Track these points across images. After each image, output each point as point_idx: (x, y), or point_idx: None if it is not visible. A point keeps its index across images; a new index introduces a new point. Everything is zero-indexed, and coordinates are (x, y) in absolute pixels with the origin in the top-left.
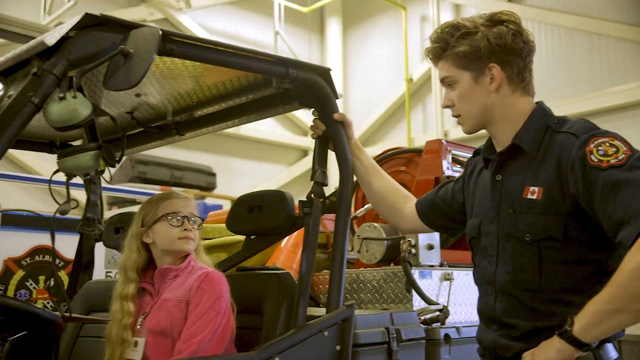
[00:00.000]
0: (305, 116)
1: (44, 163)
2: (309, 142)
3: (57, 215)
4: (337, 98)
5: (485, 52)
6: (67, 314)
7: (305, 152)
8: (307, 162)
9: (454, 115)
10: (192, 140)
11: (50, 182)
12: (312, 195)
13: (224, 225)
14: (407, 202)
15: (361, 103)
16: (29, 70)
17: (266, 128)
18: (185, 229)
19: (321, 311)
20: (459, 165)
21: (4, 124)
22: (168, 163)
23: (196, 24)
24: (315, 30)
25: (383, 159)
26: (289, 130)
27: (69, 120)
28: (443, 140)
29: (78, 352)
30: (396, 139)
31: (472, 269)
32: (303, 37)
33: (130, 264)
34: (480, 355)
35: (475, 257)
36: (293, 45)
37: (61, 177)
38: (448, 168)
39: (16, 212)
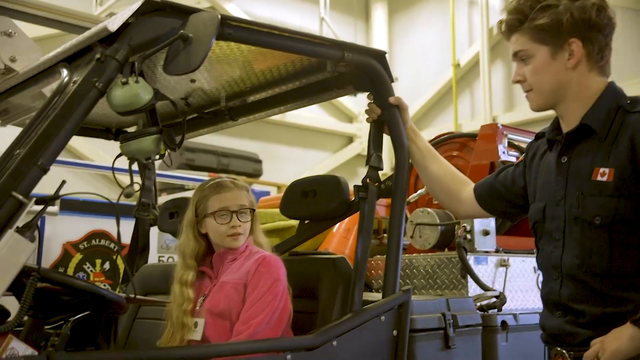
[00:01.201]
0: (351, 103)
1: (96, 150)
2: (355, 129)
3: (121, 201)
4: (393, 81)
5: (566, 26)
6: (132, 296)
7: (350, 139)
8: (353, 149)
9: (525, 91)
10: (239, 127)
11: (113, 168)
12: (368, 180)
13: (276, 210)
14: (465, 187)
15: (407, 90)
16: (92, 56)
17: (312, 115)
18: (233, 226)
19: (375, 296)
20: (515, 150)
21: (70, 109)
22: (215, 150)
23: (242, 12)
24: (360, 16)
25: (436, 144)
26: (334, 117)
27: (131, 104)
28: (499, 124)
29: (136, 334)
30: (443, 126)
31: (528, 255)
32: (348, 23)
33: (188, 251)
34: (544, 342)
35: (539, 241)
36: (338, 32)
37: (108, 162)
38: (504, 153)
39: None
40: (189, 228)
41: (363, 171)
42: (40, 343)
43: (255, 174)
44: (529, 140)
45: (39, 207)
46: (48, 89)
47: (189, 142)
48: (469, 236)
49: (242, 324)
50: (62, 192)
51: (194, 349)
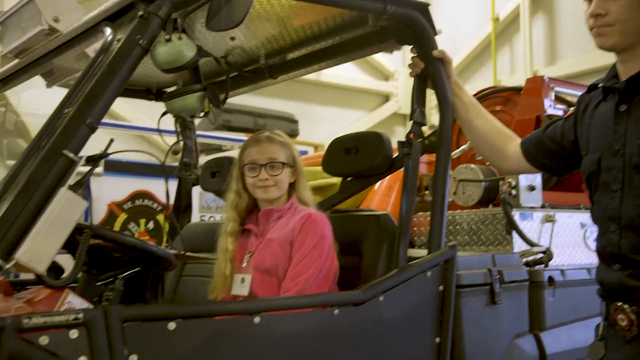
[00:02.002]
0: (387, 60)
1: (132, 112)
2: (391, 87)
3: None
4: (436, 34)
5: None
6: (181, 252)
7: (386, 98)
8: (389, 108)
9: (600, 25)
10: (274, 87)
11: (159, 128)
12: (411, 135)
13: (317, 168)
14: (511, 142)
15: (444, 45)
16: (135, 13)
17: (347, 73)
18: (260, 179)
19: (418, 253)
20: (563, 104)
21: (115, 67)
22: (251, 111)
23: None
24: None
25: (479, 99)
26: (370, 75)
27: (175, 61)
28: (545, 77)
29: (182, 290)
30: (481, 82)
31: (575, 210)
32: None
33: (230, 204)
34: (601, 296)
35: (594, 194)
36: None
37: (144, 124)
38: (550, 106)
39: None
40: (234, 182)
41: (400, 130)
42: (94, 299)
43: (292, 134)
44: (577, 92)
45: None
46: (91, 49)
47: (225, 103)
48: (514, 192)
49: (289, 280)
50: (109, 151)
51: (243, 303)
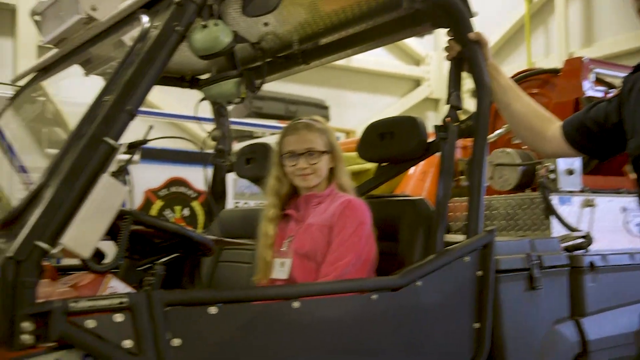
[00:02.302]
0: (418, 45)
1: (165, 99)
2: (422, 72)
3: (196, 149)
4: (472, 16)
5: None
6: (219, 238)
7: (418, 82)
8: (420, 93)
9: None
10: (305, 74)
11: (197, 117)
12: (448, 119)
13: (351, 153)
14: (550, 125)
15: (476, 27)
16: (171, 1)
17: (378, 59)
18: (299, 168)
19: (454, 238)
20: (603, 85)
21: (153, 54)
22: (283, 97)
23: None
24: None
25: (515, 82)
26: (401, 60)
27: (212, 47)
28: (585, 58)
29: (218, 276)
30: (514, 65)
31: (615, 195)
32: None
33: (270, 190)
34: None
35: None
36: None
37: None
38: (590, 88)
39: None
40: (274, 168)
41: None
42: (135, 284)
43: None
44: (618, 74)
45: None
46: (128, 37)
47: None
48: (552, 176)
49: (328, 265)
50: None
51: (282, 288)
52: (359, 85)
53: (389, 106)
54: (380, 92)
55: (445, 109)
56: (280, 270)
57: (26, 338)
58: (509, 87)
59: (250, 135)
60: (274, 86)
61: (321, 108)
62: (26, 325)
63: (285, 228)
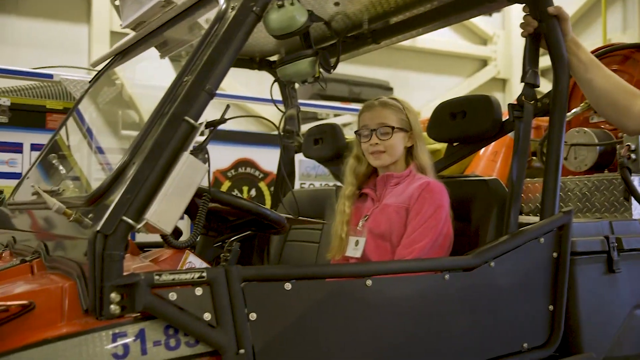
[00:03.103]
0: (484, 24)
1: (230, 81)
2: (489, 51)
3: (262, 131)
4: None
5: None
6: (291, 216)
7: (484, 62)
8: (487, 73)
9: None
10: (369, 55)
11: (272, 100)
12: (523, 98)
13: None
14: (637, 100)
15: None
16: None
17: (443, 38)
18: (371, 144)
19: (527, 219)
20: None
21: (231, 34)
22: (346, 79)
23: None
24: None
25: None
26: (467, 39)
27: (288, 27)
28: None
29: (286, 254)
30: (590, 41)
31: None
32: None
33: (349, 168)
34: None
35: None
36: None
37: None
38: None
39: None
40: (355, 146)
41: (499, 95)
42: (209, 260)
43: None
44: None
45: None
46: (203, 19)
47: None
48: (633, 156)
49: (404, 247)
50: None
51: (355, 266)
52: (424, 66)
53: (455, 87)
54: (445, 72)
55: (512, 89)
56: (355, 249)
57: (114, 308)
58: (591, 62)
59: (315, 117)
60: (337, 67)
61: (385, 89)
62: (114, 296)
63: (362, 207)
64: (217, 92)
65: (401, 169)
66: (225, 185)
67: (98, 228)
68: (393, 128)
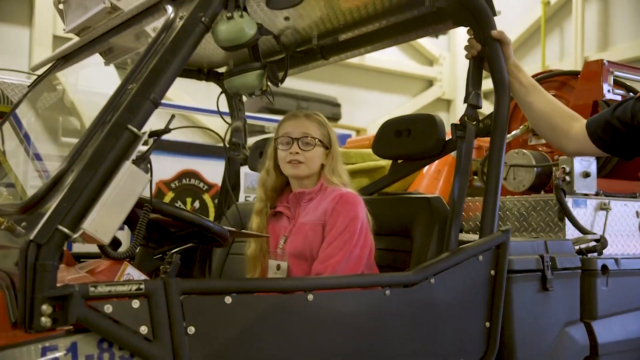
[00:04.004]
0: (431, 45)
1: (176, 92)
2: (435, 72)
3: (208, 142)
4: (495, 15)
5: None
6: (235, 229)
7: (430, 83)
8: (432, 93)
9: None
10: (317, 71)
11: (219, 111)
12: (466, 118)
13: (367, 150)
14: (575, 123)
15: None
16: None
17: (391, 58)
18: (291, 152)
19: (467, 237)
20: (622, 89)
21: (179, 44)
22: (295, 94)
23: None
24: None
25: None
26: (414, 59)
27: (236, 39)
28: (605, 61)
29: (229, 268)
30: (529, 67)
31: (630, 199)
32: None
33: (260, 182)
34: None
35: None
36: None
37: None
38: (609, 91)
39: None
40: (266, 159)
41: (444, 115)
42: (148, 272)
43: (334, 118)
44: (637, 77)
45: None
46: (150, 28)
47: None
48: (568, 178)
49: (320, 263)
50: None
51: (297, 280)
52: (372, 84)
53: (401, 106)
54: (392, 91)
55: (456, 109)
56: (276, 273)
57: (44, 320)
58: (532, 85)
59: (262, 131)
60: (286, 82)
61: (333, 105)
62: (45, 307)
63: (279, 226)
64: (163, 101)
65: (313, 184)
66: (169, 197)
67: (31, 237)
68: (316, 140)
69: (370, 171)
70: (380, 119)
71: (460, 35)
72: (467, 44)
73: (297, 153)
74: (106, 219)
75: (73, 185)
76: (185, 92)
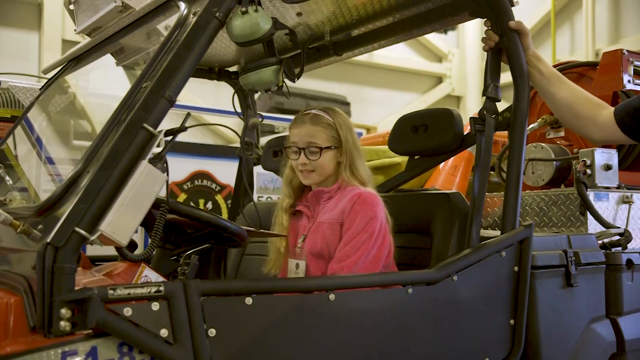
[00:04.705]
0: (440, 41)
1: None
2: (444, 69)
3: (222, 143)
4: (513, 5)
5: None
6: (252, 228)
7: (440, 79)
8: (442, 90)
9: None
10: (326, 69)
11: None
12: (485, 112)
13: (382, 147)
14: (602, 110)
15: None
16: None
17: (400, 55)
18: (300, 163)
19: (487, 233)
20: None
21: (193, 40)
22: (304, 93)
23: None
24: None
25: None
26: (423, 56)
27: (251, 34)
28: (624, 51)
29: (244, 269)
30: None
31: None
32: None
33: (285, 179)
34: None
35: None
36: None
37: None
38: (629, 81)
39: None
40: (288, 156)
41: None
42: (166, 274)
43: None
44: None
45: None
46: (162, 26)
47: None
48: (588, 171)
49: (336, 262)
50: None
51: (318, 279)
52: (381, 82)
53: (410, 103)
54: (401, 89)
55: (466, 106)
56: (295, 272)
57: (64, 324)
58: (553, 75)
59: (272, 130)
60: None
61: (342, 104)
62: (64, 311)
63: (298, 225)
64: (184, 104)
65: (332, 183)
66: (181, 198)
67: (48, 240)
68: (322, 149)
69: (386, 168)
70: (390, 117)
71: (470, 30)
72: (484, 35)
73: (305, 164)
74: (124, 220)
75: (89, 186)
76: (195, 94)
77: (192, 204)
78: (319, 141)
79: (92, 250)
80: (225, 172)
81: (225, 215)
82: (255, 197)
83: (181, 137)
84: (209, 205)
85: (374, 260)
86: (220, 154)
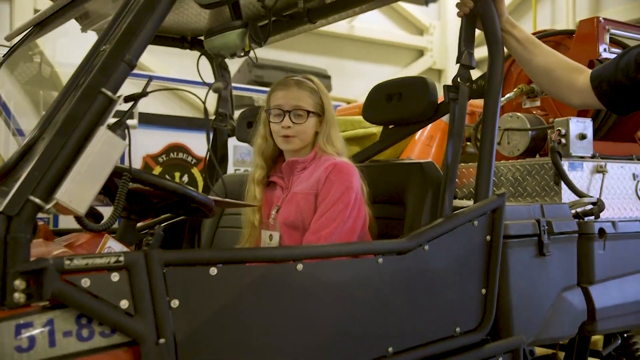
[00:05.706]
0: (421, 14)
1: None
2: (426, 42)
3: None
4: None
5: None
6: (220, 198)
7: (421, 52)
8: (423, 63)
9: None
10: (306, 42)
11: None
12: (459, 79)
13: (357, 117)
14: (580, 75)
15: None
16: None
17: (380, 28)
18: (283, 126)
19: (461, 203)
20: (619, 47)
21: (154, 1)
22: (284, 66)
23: None
24: None
25: None
26: (404, 29)
27: None
28: (600, 18)
29: (218, 241)
30: None
31: (627, 161)
32: None
33: (257, 150)
34: None
35: None
36: None
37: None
38: (605, 50)
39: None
40: (261, 125)
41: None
42: (133, 245)
43: None
44: (635, 35)
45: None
46: None
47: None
48: (563, 140)
49: (311, 233)
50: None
51: (285, 249)
52: (362, 55)
53: (392, 76)
54: (382, 62)
55: (448, 80)
56: (269, 244)
57: (18, 296)
58: (528, 41)
59: (251, 103)
60: (275, 54)
61: (323, 77)
62: (18, 283)
63: (272, 196)
64: (146, 73)
65: (307, 153)
66: (156, 171)
67: (1, 209)
68: (308, 112)
69: (361, 139)
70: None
71: (451, 3)
72: (458, 1)
73: (289, 127)
74: (81, 189)
75: (44, 153)
76: (172, 67)
77: (167, 177)
78: (306, 105)
79: (65, 223)
80: (202, 144)
81: (201, 188)
82: (231, 170)
83: (156, 109)
84: (185, 179)
85: (350, 231)
86: (196, 126)
